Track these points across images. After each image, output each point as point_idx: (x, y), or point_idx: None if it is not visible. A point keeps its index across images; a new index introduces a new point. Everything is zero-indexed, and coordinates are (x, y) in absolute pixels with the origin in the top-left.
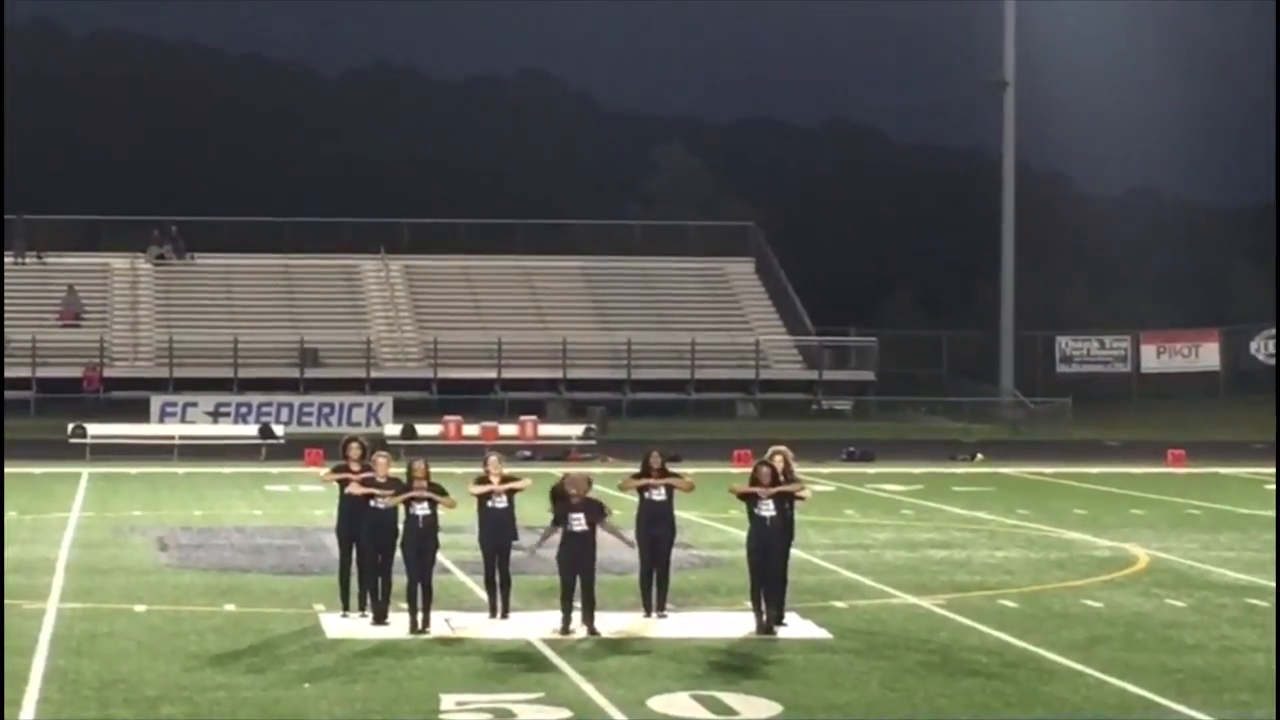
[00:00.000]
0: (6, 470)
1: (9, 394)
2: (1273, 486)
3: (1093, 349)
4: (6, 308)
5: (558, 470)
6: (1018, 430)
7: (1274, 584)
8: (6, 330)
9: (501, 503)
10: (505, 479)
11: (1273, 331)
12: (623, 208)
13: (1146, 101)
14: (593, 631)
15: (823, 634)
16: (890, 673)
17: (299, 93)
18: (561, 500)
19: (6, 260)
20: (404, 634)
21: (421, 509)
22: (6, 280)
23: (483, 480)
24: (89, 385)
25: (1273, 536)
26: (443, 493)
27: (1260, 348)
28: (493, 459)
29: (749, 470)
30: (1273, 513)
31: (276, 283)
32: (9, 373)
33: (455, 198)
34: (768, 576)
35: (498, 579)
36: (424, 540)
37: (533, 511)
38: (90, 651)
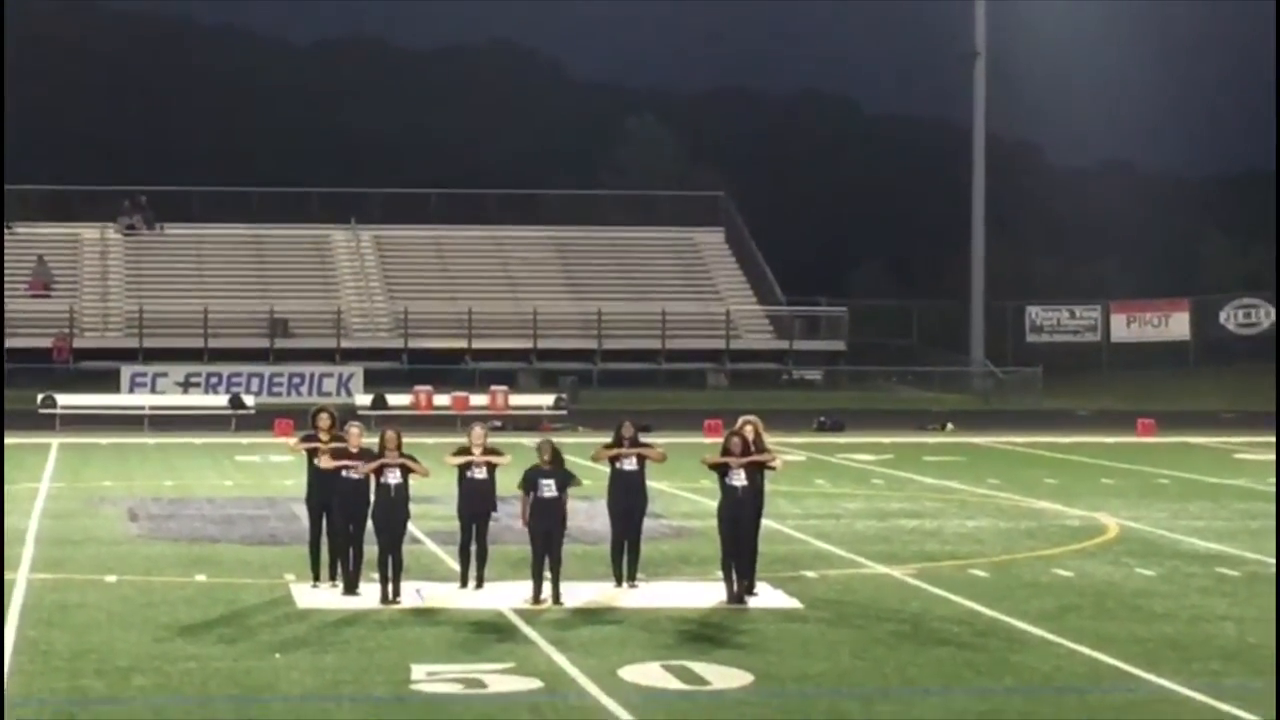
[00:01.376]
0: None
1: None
2: (1243, 455)
3: (1063, 319)
4: None
5: (529, 440)
6: (988, 400)
7: (1244, 553)
8: None
9: (481, 474)
10: (488, 451)
11: (1243, 301)
12: (594, 178)
13: (1117, 72)
14: (558, 601)
15: (794, 604)
16: (861, 642)
17: (270, 63)
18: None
19: None
20: (375, 604)
21: (393, 478)
22: None
23: (464, 451)
24: (59, 356)
25: (1243, 506)
26: (415, 461)
27: (1230, 317)
28: (477, 429)
29: (720, 440)
30: (1242, 482)
31: (247, 253)
32: None
33: (426, 168)
34: (739, 546)
35: (474, 549)
36: (394, 510)
37: (510, 482)
38: (61, 622)
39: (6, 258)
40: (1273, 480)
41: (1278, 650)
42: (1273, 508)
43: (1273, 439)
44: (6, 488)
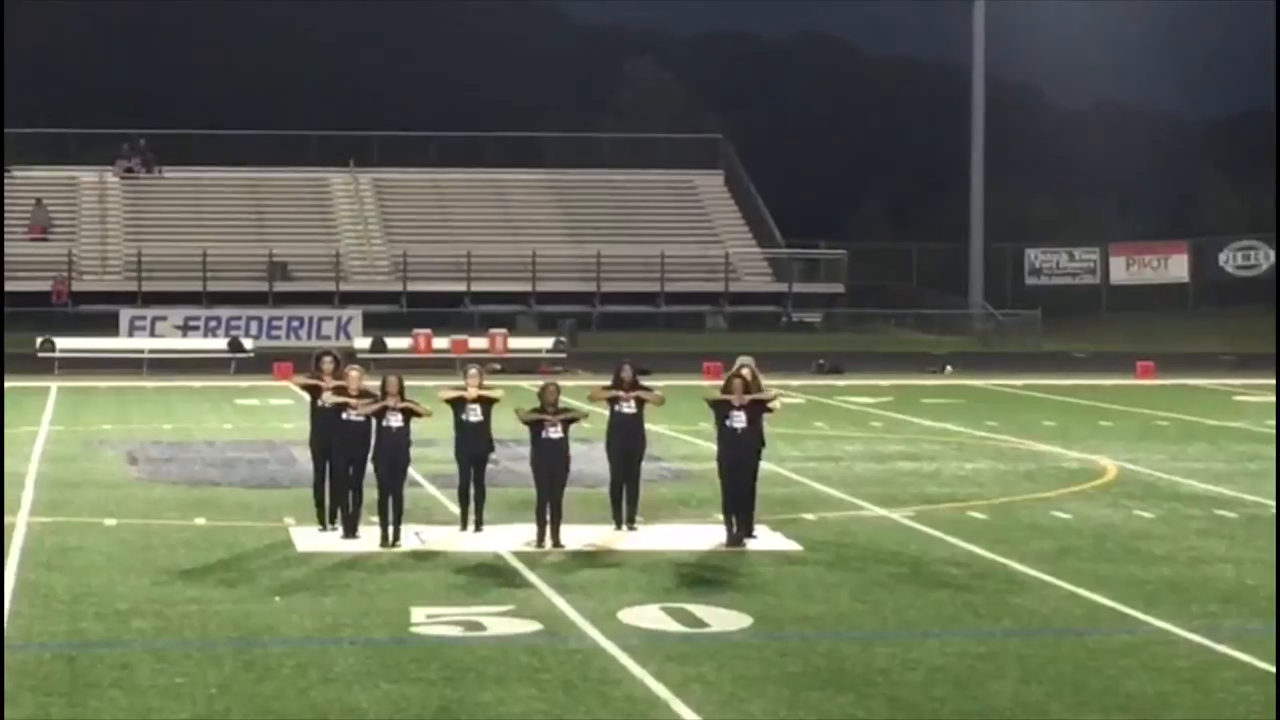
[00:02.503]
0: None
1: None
2: (1242, 398)
3: (1062, 261)
4: None
5: (528, 383)
6: (987, 342)
7: (1243, 495)
8: None
9: (477, 415)
10: (483, 393)
11: (1242, 243)
12: (593, 121)
13: (1115, 13)
14: (558, 544)
15: (793, 546)
16: (860, 584)
17: (268, 6)
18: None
19: None
20: (374, 547)
21: (394, 421)
22: None
23: (459, 394)
24: (58, 299)
25: (1242, 448)
26: (417, 404)
27: (1229, 260)
28: (473, 372)
29: (719, 383)
30: (1241, 424)
31: (245, 196)
32: None
33: (425, 111)
34: (738, 489)
35: (472, 492)
36: (396, 453)
37: (508, 424)
38: (61, 565)
39: (5, 201)
40: (1271, 422)
41: (1278, 593)
42: (1271, 450)
43: (1271, 381)
44: (7, 431)
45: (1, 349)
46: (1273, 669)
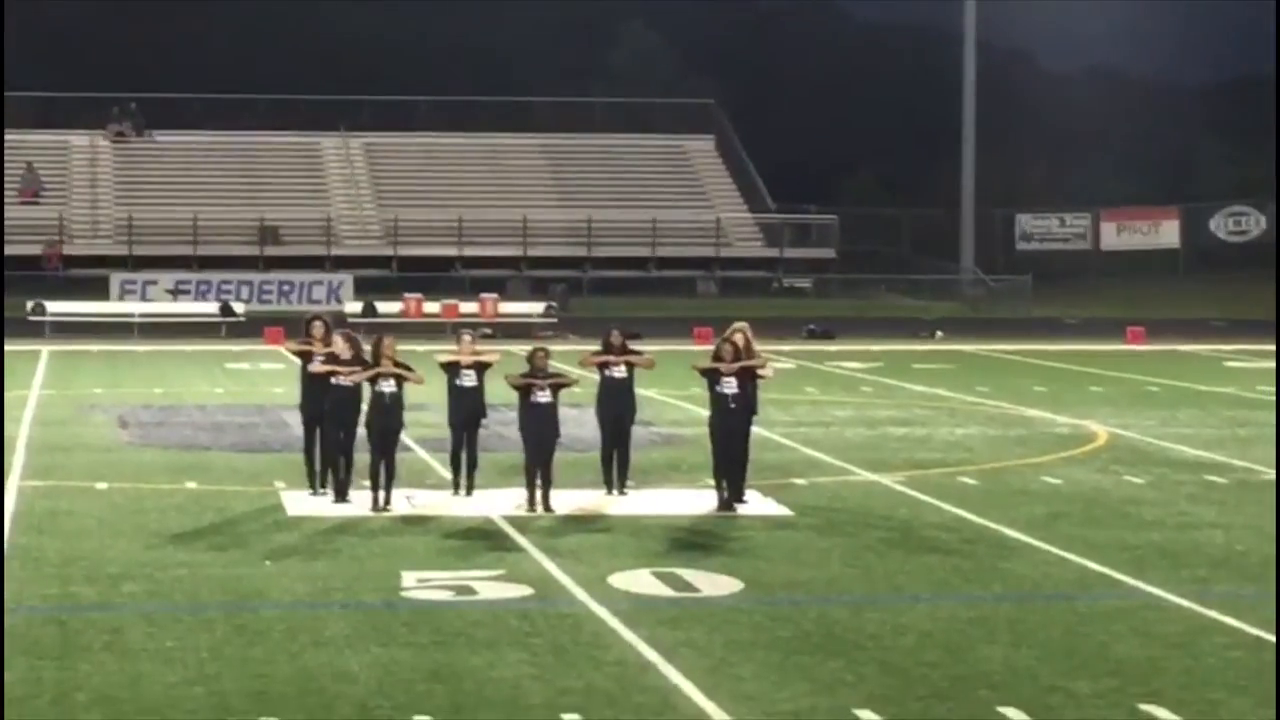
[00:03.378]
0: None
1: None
2: (1233, 363)
3: (1053, 227)
4: None
5: (519, 347)
6: (978, 308)
7: (1233, 460)
8: None
9: (470, 380)
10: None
11: (1234, 209)
12: (584, 85)
13: None
14: (549, 508)
15: (783, 511)
16: (851, 549)
17: None
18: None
19: None
20: (365, 512)
21: (387, 385)
22: None
23: (453, 360)
24: (50, 264)
25: (1232, 413)
26: (410, 370)
27: (1220, 225)
28: (466, 338)
29: (710, 348)
30: (1231, 389)
31: (236, 160)
32: None
33: (416, 75)
34: (729, 454)
35: (464, 457)
36: (388, 418)
37: (499, 389)
38: (52, 529)
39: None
40: (1262, 388)
41: (1278, 560)
42: (1261, 415)
43: (1262, 347)
44: None
45: (1, 320)
46: (1262, 633)
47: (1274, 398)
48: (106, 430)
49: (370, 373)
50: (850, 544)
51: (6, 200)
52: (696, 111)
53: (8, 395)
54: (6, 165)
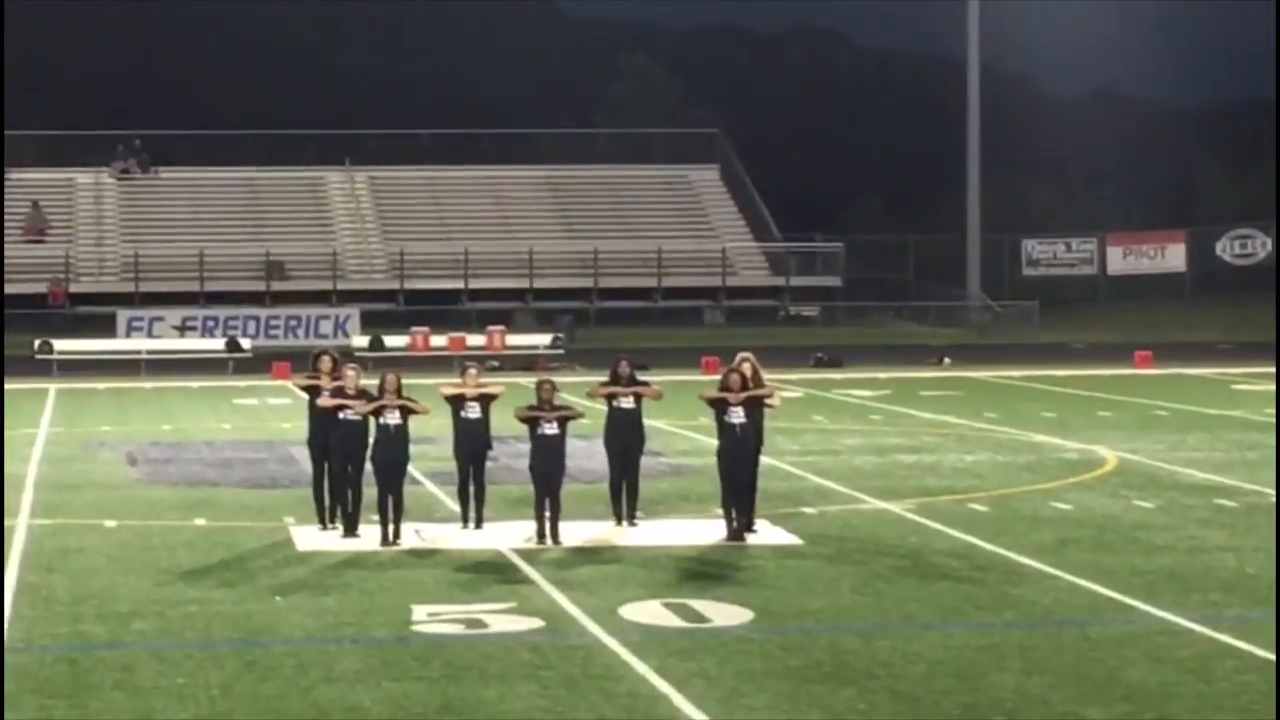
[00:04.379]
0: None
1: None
2: (1241, 386)
3: (1059, 252)
4: None
5: (527, 380)
6: (985, 334)
7: (1242, 484)
8: None
9: (475, 412)
10: (481, 389)
11: (1239, 232)
12: (587, 116)
13: (1110, 3)
14: (558, 540)
15: (793, 540)
16: (861, 578)
17: (262, 4)
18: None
19: None
20: (375, 546)
21: (392, 419)
22: None
23: (458, 392)
24: (55, 301)
25: (1241, 436)
26: (414, 402)
27: (1226, 248)
28: (471, 371)
29: (717, 377)
30: (1239, 412)
31: (241, 196)
32: None
33: (419, 108)
34: (738, 483)
35: (471, 489)
36: (394, 451)
37: (508, 421)
38: (61, 567)
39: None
40: (1270, 411)
41: (1278, 581)
42: (1270, 438)
43: (1270, 369)
44: (6, 434)
45: (1, 354)
46: (1274, 657)
47: None
48: (115, 468)
49: (374, 405)
50: (860, 572)
51: (13, 239)
52: (700, 141)
53: (16, 434)
54: (12, 204)
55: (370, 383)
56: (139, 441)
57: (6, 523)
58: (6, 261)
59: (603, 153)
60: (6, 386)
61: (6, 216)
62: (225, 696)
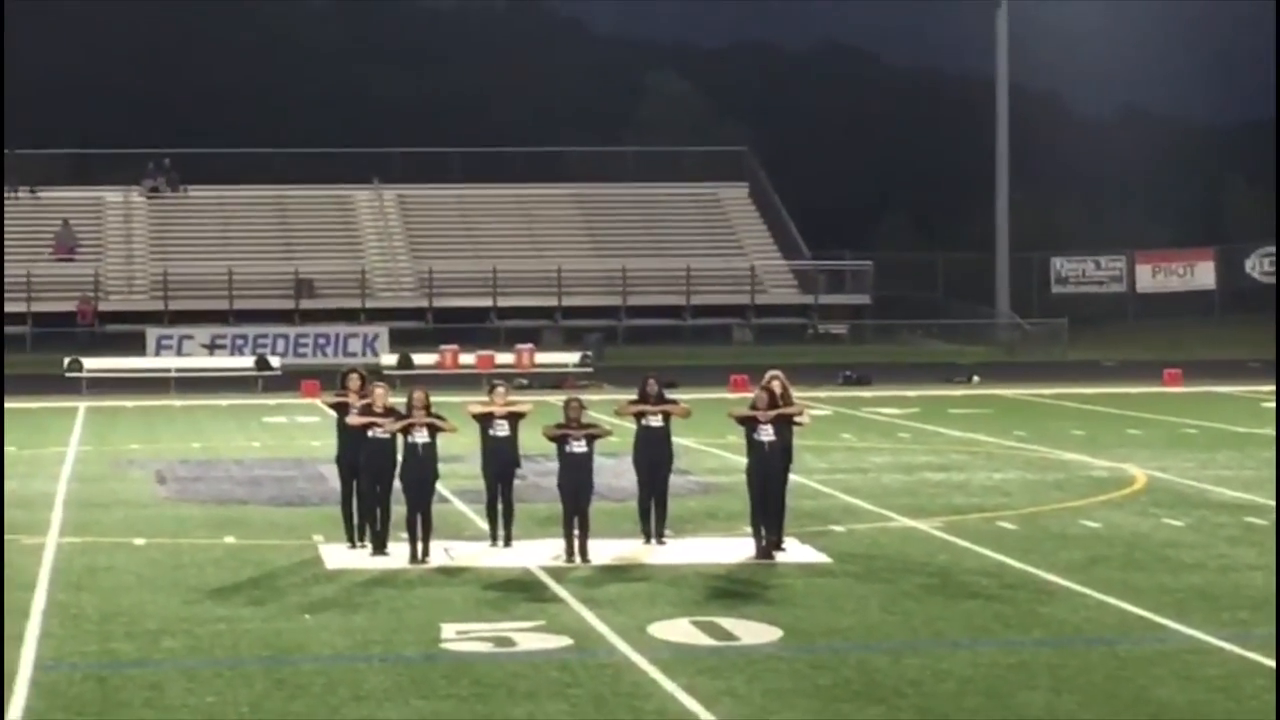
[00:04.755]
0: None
1: (5, 329)
2: (1270, 404)
3: (1088, 269)
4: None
5: (555, 398)
6: (1014, 352)
7: (1272, 502)
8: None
9: (504, 430)
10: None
11: (1268, 249)
12: (616, 134)
13: (1138, 19)
14: (586, 559)
15: (822, 558)
16: (890, 596)
17: (290, 22)
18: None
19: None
20: (404, 564)
21: (420, 437)
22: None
23: (486, 411)
24: (83, 319)
25: (1270, 454)
26: (442, 419)
27: (1256, 266)
28: (500, 390)
29: (746, 395)
30: (1270, 430)
31: (270, 214)
32: (5, 308)
33: (448, 127)
34: (767, 502)
35: (500, 508)
36: (423, 469)
37: (536, 439)
38: (90, 585)
39: (31, 222)
40: None
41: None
42: None
43: None
44: (35, 452)
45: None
46: None
47: None
48: (144, 486)
49: (403, 423)
50: (889, 590)
51: (44, 258)
52: (729, 159)
53: (46, 452)
54: (45, 222)
55: (399, 400)
56: (168, 459)
57: (36, 541)
58: (35, 280)
59: (632, 171)
60: (36, 405)
61: (37, 235)
62: (254, 715)
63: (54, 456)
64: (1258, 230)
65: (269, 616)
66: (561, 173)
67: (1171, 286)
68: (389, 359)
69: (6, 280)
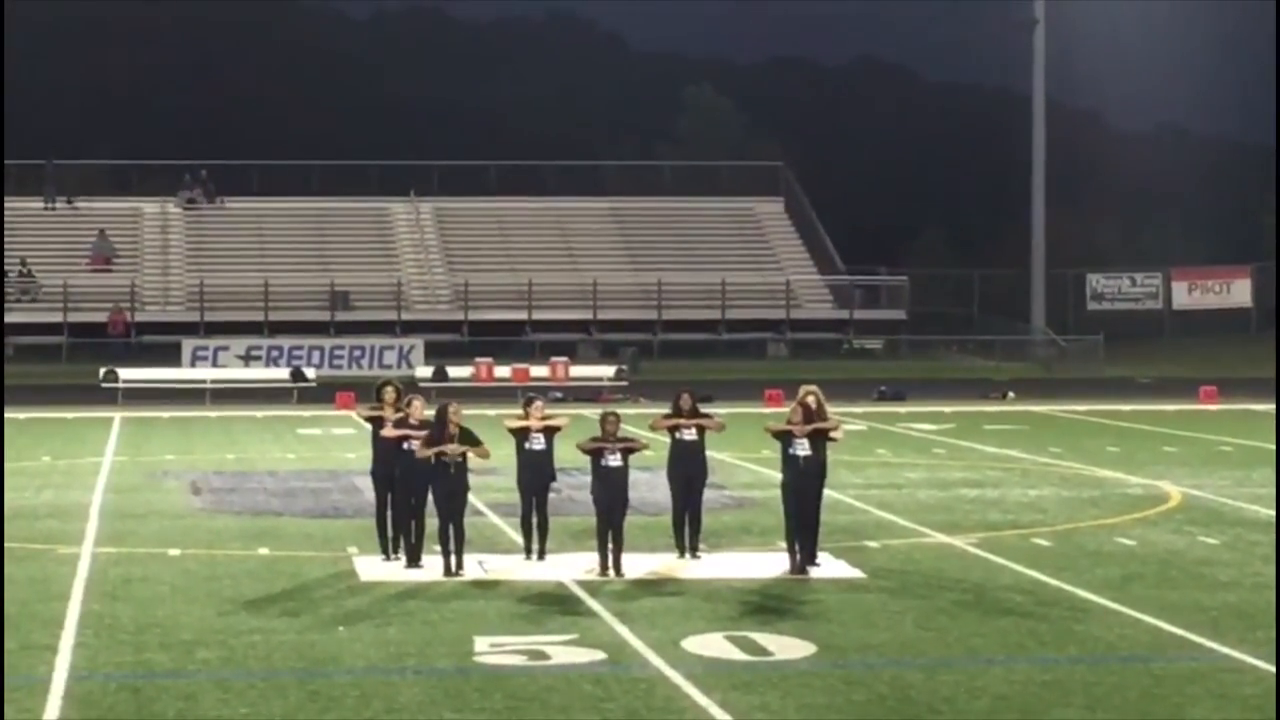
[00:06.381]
0: (39, 416)
1: (42, 339)
2: None
3: (1124, 286)
4: (39, 253)
5: (590, 411)
6: (1049, 368)
7: None
8: (39, 275)
9: (539, 444)
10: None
11: None
12: (652, 148)
13: (1174, 36)
14: (620, 572)
15: (856, 574)
16: (924, 612)
17: (328, 35)
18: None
19: (38, 206)
20: (438, 577)
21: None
22: (38, 226)
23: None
24: (114, 329)
25: None
26: (476, 443)
27: None
28: (537, 404)
29: (780, 410)
30: None
31: (307, 226)
32: (41, 318)
33: (485, 140)
34: (801, 516)
35: (535, 521)
36: (455, 483)
37: (570, 452)
38: (125, 596)
39: (69, 232)
40: None
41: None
42: None
43: None
44: (71, 462)
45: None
46: None
47: None
48: (179, 496)
49: (435, 450)
50: (923, 606)
51: (80, 268)
52: (765, 174)
53: (82, 462)
54: (79, 233)
55: (432, 412)
56: (203, 470)
57: (71, 551)
58: (72, 290)
59: (668, 185)
60: (72, 415)
61: (75, 246)
62: None
63: (89, 467)
64: None
65: (303, 628)
66: (598, 186)
67: (1208, 304)
68: (424, 371)
69: (44, 290)
